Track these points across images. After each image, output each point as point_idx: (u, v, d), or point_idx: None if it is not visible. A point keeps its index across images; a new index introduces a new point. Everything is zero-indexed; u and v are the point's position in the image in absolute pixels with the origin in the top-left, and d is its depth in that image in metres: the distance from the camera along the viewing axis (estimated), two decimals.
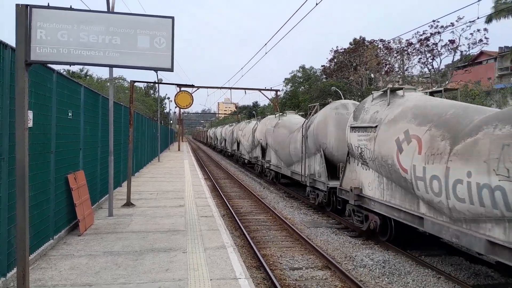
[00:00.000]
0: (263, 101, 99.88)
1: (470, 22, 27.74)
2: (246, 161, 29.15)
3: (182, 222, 9.47)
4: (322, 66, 45.74)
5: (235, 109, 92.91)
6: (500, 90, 34.48)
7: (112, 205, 10.31)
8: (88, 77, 51.24)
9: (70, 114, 8.32)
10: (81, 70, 52.86)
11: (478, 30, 29.29)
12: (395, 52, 34.57)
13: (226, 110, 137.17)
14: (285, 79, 53.33)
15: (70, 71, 47.55)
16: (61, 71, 7.62)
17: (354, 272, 7.84)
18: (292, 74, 52.85)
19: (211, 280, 5.79)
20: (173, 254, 6.96)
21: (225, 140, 42.66)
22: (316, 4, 11.69)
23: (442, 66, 32.03)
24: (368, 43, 38.39)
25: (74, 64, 4.56)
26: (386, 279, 7.55)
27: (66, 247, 7.36)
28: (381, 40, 35.94)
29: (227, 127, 44.86)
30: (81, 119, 9.21)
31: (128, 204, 11.51)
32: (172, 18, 4.70)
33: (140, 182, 16.98)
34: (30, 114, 6.01)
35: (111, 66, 6.41)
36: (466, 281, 7.35)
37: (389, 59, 35.67)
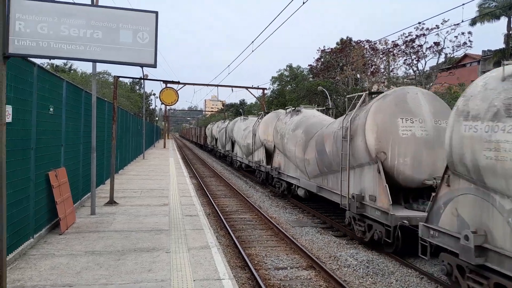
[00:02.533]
0: (250, 99, 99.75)
1: (455, 25, 28.07)
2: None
3: (166, 221, 9.35)
4: (309, 65, 45.82)
5: (222, 107, 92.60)
6: None
7: (95, 203, 10.11)
8: (72, 71, 50.21)
9: (51, 109, 8.10)
10: (65, 64, 51.82)
11: (463, 33, 29.67)
12: (381, 53, 34.81)
13: (213, 108, 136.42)
14: (272, 77, 53.26)
15: (54, 65, 46.60)
16: (44, 65, 7.41)
17: (338, 272, 7.84)
18: (279, 73, 52.81)
19: (194, 280, 5.70)
20: (156, 254, 6.85)
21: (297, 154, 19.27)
22: (303, 3, 11.66)
23: (427, 68, 32.40)
24: (354, 44, 38.61)
25: (54, 58, 4.41)
26: (370, 279, 7.57)
27: (46, 246, 7.18)
28: (367, 41, 36.15)
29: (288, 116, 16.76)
30: (63, 114, 8.99)
31: (111, 202, 11.31)
32: (156, 13, 4.57)
33: (124, 180, 16.73)
34: (9, 109, 5.83)
35: (92, 61, 6.25)
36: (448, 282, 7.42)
37: (375, 60, 35.90)
